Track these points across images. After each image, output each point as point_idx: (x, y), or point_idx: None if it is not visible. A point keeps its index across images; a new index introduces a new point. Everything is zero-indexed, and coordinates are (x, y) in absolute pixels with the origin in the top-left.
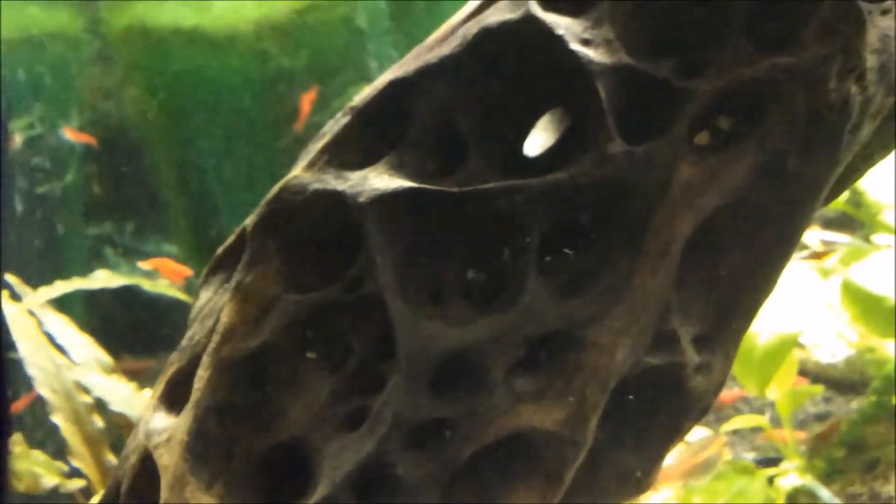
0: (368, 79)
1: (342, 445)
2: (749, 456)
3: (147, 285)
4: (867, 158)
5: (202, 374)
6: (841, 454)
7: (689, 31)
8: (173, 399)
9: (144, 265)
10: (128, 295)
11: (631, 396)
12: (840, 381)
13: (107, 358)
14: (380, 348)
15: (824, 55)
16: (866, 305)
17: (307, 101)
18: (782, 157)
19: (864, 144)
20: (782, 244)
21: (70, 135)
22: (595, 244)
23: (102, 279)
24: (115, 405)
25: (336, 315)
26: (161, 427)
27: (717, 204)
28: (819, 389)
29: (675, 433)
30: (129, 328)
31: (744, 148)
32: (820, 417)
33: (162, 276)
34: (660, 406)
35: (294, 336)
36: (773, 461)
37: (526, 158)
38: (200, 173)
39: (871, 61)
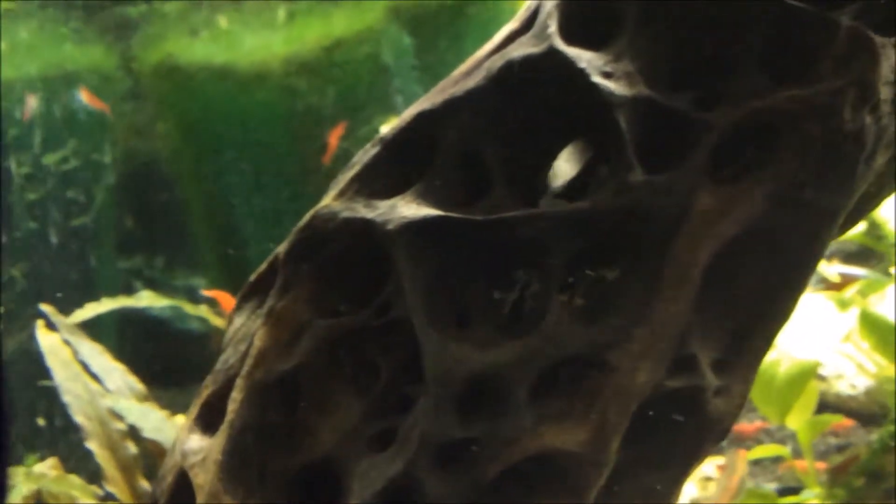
0: (394, 113)
1: (371, 464)
2: (771, 486)
3: (189, 309)
4: (882, 188)
5: (236, 397)
6: (860, 483)
7: (707, 65)
8: (208, 421)
9: (207, 293)
10: (159, 328)
11: (651, 419)
12: (860, 413)
13: (139, 385)
14: (407, 371)
15: (839, 87)
16: (884, 335)
17: (335, 136)
18: (798, 186)
19: (878, 174)
20: (799, 271)
21: (86, 98)
22: (616, 270)
23: (147, 299)
24: (148, 432)
25: (365, 339)
26: (196, 447)
27: (734, 232)
28: (839, 418)
29: (695, 454)
30: (159, 360)
31: (760, 177)
32: (841, 448)
33: (221, 307)
34: (680, 428)
35: (325, 359)
36: (793, 490)
37: (548, 187)
38: (229, 207)
39: (885, 93)
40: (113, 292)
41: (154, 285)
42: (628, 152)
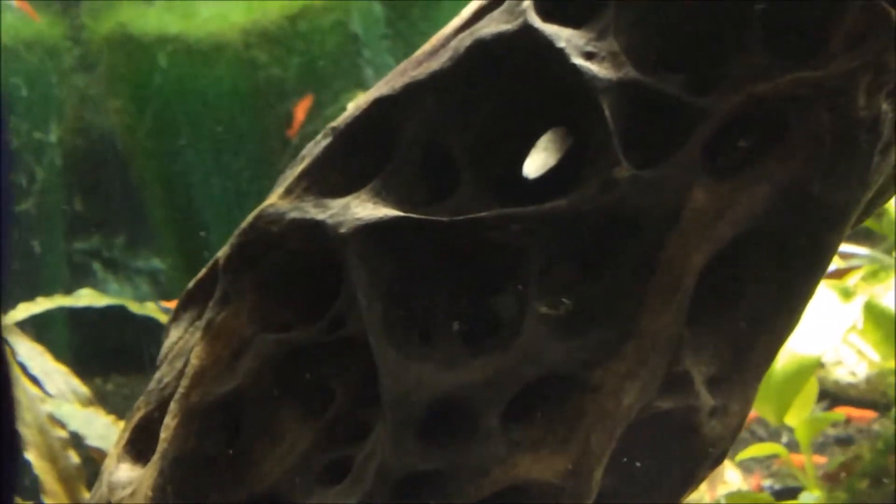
0: (364, 87)
1: (323, 500)
2: (766, 483)
3: (134, 307)
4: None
5: (169, 423)
6: (864, 485)
7: (703, 43)
8: (140, 448)
9: (165, 304)
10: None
11: (640, 443)
12: (861, 402)
13: (84, 389)
14: (364, 393)
15: (852, 69)
16: (891, 330)
17: (302, 109)
18: (805, 181)
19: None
20: (806, 277)
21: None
22: (599, 278)
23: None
24: (92, 440)
25: (316, 356)
26: (125, 479)
27: (733, 233)
28: (840, 416)
29: (688, 481)
30: (118, 345)
31: (763, 171)
32: (840, 441)
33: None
34: (672, 453)
35: (270, 380)
36: (791, 491)
37: (524, 184)
38: (187, 187)
39: None
40: (63, 279)
41: (114, 267)
42: (613, 143)
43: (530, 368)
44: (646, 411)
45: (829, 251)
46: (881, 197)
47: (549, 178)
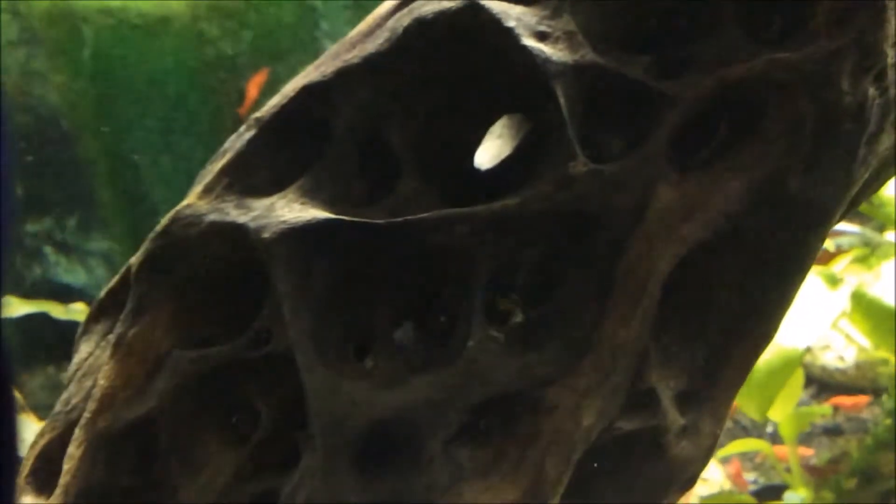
0: None
1: None
2: (749, 477)
3: (58, 312)
4: (881, 173)
5: (73, 452)
6: (852, 484)
7: (670, 22)
8: (44, 479)
9: None
10: (72, 298)
11: (601, 468)
12: (849, 388)
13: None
14: (293, 415)
15: (835, 49)
16: (881, 321)
17: (255, 84)
18: (784, 176)
19: (881, 158)
20: (784, 282)
21: None
22: (555, 285)
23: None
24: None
25: (240, 375)
26: None
27: (704, 234)
28: (826, 410)
29: None
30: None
31: (736, 165)
32: (828, 431)
33: None
34: (637, 478)
35: (189, 401)
36: (775, 490)
37: (472, 180)
38: (135, 168)
39: (891, 56)
40: (13, 263)
41: (66, 250)
42: (569, 134)
43: (478, 387)
44: (607, 433)
45: (810, 254)
46: (874, 183)
47: (505, 170)
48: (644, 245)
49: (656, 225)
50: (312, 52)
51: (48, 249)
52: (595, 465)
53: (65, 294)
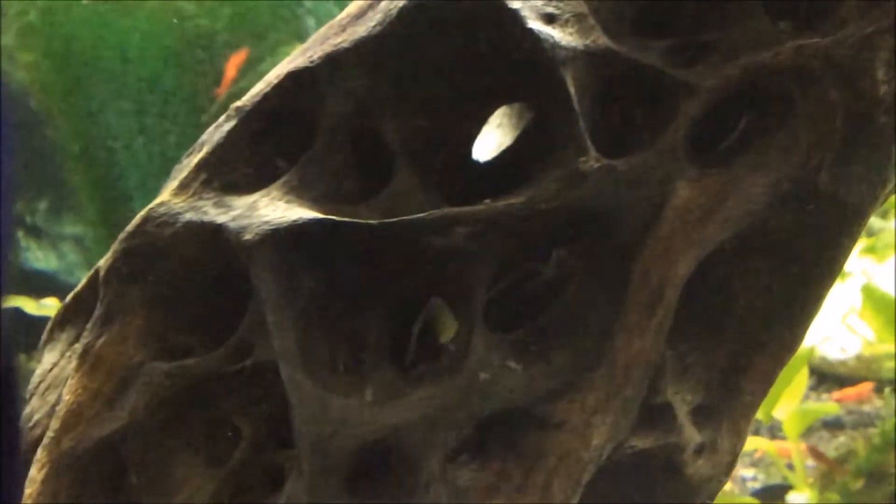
0: (304, 39)
1: None
2: (748, 474)
3: (31, 308)
4: None
5: (35, 475)
6: (859, 485)
7: (688, 4)
8: None
9: None
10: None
11: (612, 489)
12: (850, 380)
13: None
14: (277, 433)
15: (868, 35)
16: (890, 315)
17: (233, 64)
18: (812, 172)
19: None
20: (812, 286)
21: None
22: (563, 292)
23: None
24: None
25: (219, 389)
26: None
27: (725, 235)
28: (834, 408)
29: None
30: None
31: (760, 160)
32: (828, 424)
33: None
34: (651, 499)
35: (163, 418)
36: (777, 489)
37: (470, 174)
38: (108, 151)
39: None
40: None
41: (37, 234)
42: (579, 127)
43: (480, 402)
44: (619, 451)
45: (839, 256)
46: None
47: (505, 163)
48: (660, 247)
49: (674, 225)
50: (294, 30)
51: (19, 233)
52: (605, 486)
53: (36, 280)
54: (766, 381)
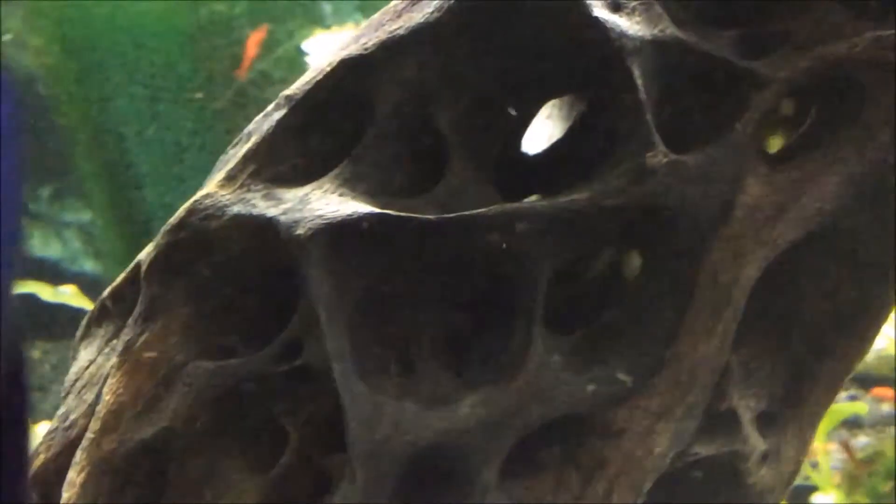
0: (322, 24)
1: None
2: None
3: (47, 294)
4: None
5: (74, 478)
6: (888, 487)
7: None
8: None
9: None
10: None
11: (674, 498)
12: (869, 379)
13: None
14: (326, 436)
15: None
16: None
17: (254, 42)
18: (887, 170)
19: None
20: (883, 290)
21: None
22: (625, 293)
23: None
24: None
25: (266, 390)
26: None
27: (796, 234)
28: (863, 408)
29: None
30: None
31: (835, 156)
32: (847, 423)
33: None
34: None
35: (207, 420)
36: (803, 490)
37: (530, 169)
38: (119, 138)
39: None
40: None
41: (40, 220)
42: (646, 120)
43: (538, 407)
44: (681, 459)
45: None
46: None
47: (556, 157)
48: (730, 247)
49: (744, 224)
50: (310, 15)
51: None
52: (665, 495)
53: (38, 267)
54: (832, 389)
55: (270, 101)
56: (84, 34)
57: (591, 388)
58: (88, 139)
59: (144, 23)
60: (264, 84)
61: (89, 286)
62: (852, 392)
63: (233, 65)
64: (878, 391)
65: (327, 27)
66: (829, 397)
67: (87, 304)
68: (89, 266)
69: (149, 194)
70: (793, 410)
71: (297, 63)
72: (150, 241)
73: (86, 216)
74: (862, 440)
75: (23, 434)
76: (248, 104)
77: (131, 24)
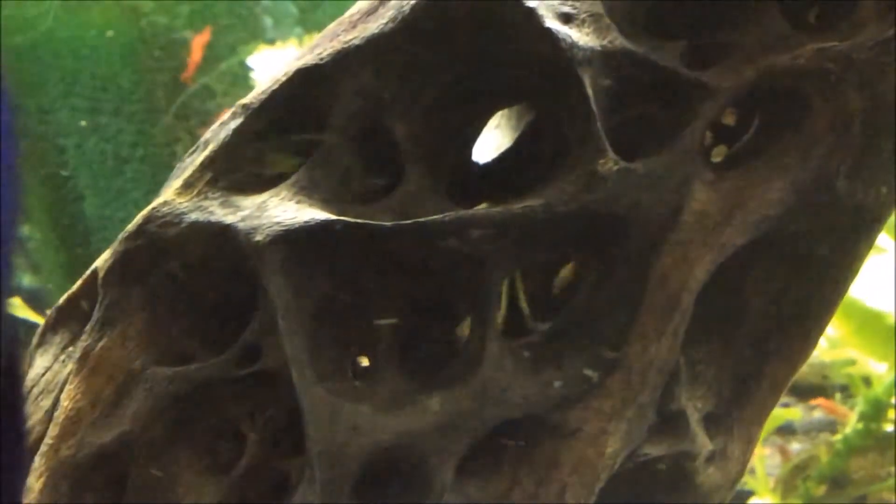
0: (263, 37)
1: None
2: None
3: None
4: None
5: (33, 484)
6: (821, 491)
7: (707, 6)
8: None
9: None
10: None
11: (623, 498)
12: (801, 387)
13: None
14: (285, 439)
15: (886, 38)
16: (862, 322)
17: (198, 45)
18: (830, 176)
19: None
20: (827, 292)
21: None
22: (579, 296)
23: None
24: None
25: (224, 395)
26: None
27: (742, 239)
28: (797, 414)
29: None
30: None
31: (779, 163)
32: (782, 430)
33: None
34: None
35: (165, 424)
36: (740, 495)
37: (480, 177)
38: (58, 150)
39: None
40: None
41: None
42: (596, 129)
43: (493, 409)
44: (631, 460)
45: (856, 261)
46: None
47: (506, 165)
48: (679, 251)
49: (692, 230)
50: (252, 28)
51: None
52: (613, 494)
53: None
54: (778, 388)
55: (213, 115)
56: (23, 46)
57: (544, 389)
58: (27, 152)
59: (84, 35)
60: (207, 97)
61: (28, 301)
62: (785, 400)
63: (174, 77)
64: (817, 401)
65: (269, 41)
66: (775, 398)
67: (33, 316)
68: (27, 280)
69: (88, 207)
70: (739, 411)
71: (240, 77)
72: (89, 254)
73: (27, 231)
74: (795, 446)
75: (20, 434)
76: (190, 116)
77: (71, 36)
